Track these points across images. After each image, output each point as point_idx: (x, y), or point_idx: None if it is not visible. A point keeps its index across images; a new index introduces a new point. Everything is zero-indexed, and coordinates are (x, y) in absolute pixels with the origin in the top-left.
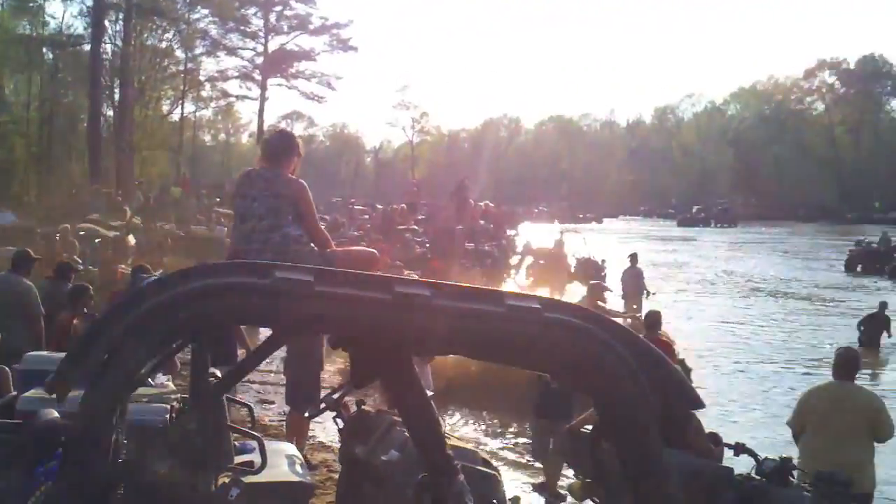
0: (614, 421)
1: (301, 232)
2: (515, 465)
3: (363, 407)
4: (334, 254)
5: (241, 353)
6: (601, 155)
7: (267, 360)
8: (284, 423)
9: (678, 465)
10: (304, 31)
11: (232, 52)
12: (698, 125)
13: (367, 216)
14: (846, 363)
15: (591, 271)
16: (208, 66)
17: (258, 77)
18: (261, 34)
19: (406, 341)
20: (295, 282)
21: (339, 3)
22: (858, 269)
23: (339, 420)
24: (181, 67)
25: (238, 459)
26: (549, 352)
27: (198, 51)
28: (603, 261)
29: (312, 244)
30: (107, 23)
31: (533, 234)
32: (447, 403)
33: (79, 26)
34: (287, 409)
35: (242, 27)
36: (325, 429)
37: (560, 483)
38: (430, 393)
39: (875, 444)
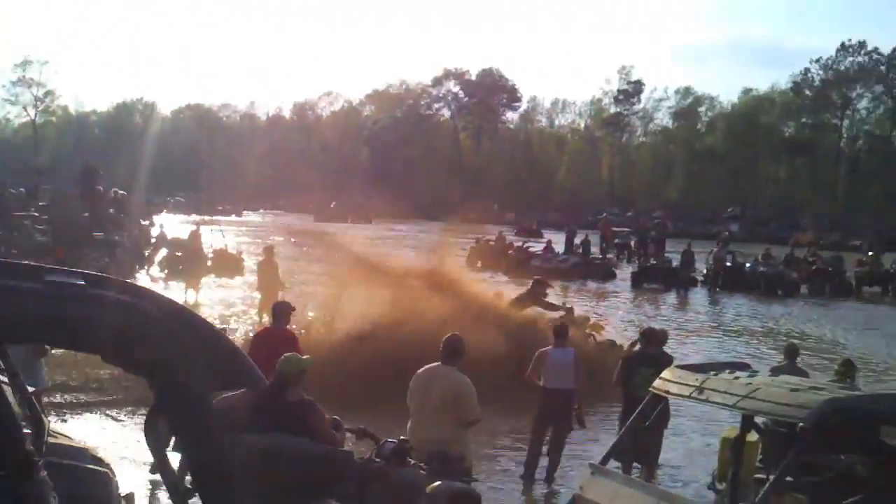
0: (169, 397)
1: None
2: None
3: None
4: None
5: None
6: (241, 147)
7: None
8: None
9: (299, 450)
10: None
11: None
12: (336, 123)
13: None
14: (449, 347)
15: (229, 264)
16: None
17: None
18: None
19: None
20: None
21: None
22: (479, 264)
23: None
24: None
25: None
26: (97, 331)
27: None
28: (240, 253)
29: None
30: None
31: (169, 224)
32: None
33: None
34: None
35: None
36: None
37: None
38: (43, 387)
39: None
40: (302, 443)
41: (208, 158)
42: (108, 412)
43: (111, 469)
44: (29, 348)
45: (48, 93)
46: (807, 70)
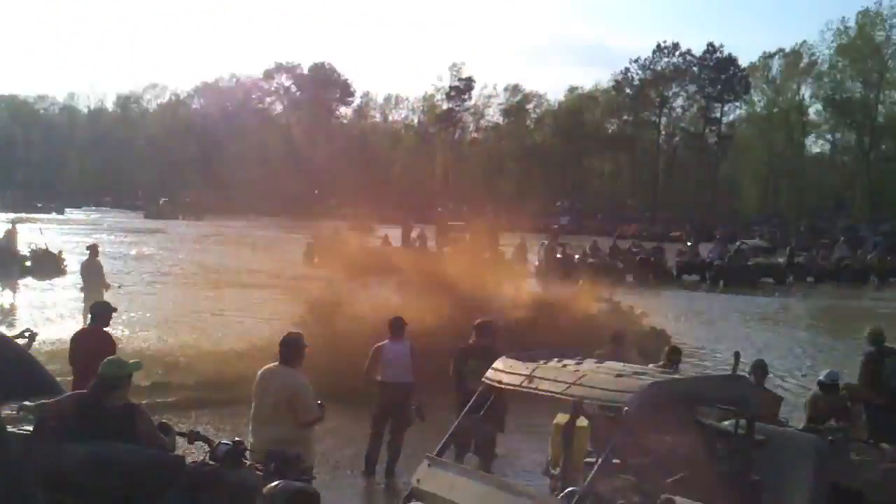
0: None
1: None
2: None
3: None
4: None
5: None
6: (61, 141)
7: None
8: None
9: (125, 457)
10: None
11: None
12: (164, 117)
13: None
14: (287, 347)
15: (49, 264)
16: None
17: None
18: None
19: None
20: None
21: None
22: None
23: None
24: None
25: None
26: None
27: None
28: (60, 252)
29: None
30: None
31: None
32: None
33: None
34: None
35: None
36: None
37: None
38: None
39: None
40: (128, 449)
41: (25, 153)
42: None
43: None
44: None
45: None
46: (627, 70)
